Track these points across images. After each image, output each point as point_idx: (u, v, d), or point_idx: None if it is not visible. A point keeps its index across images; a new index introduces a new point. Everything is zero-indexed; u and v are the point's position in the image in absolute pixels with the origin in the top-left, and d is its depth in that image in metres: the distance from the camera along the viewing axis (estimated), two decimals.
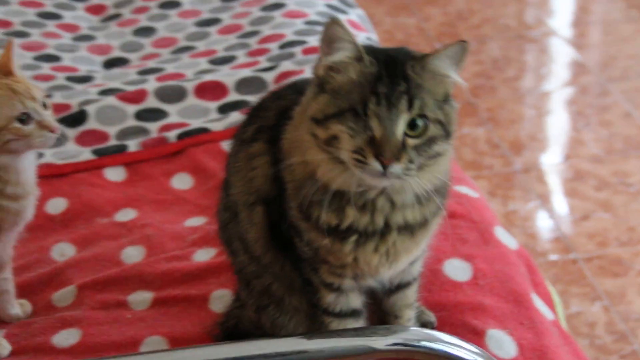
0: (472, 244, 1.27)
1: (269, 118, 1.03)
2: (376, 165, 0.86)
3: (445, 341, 1.00)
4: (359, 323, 1.05)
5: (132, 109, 1.66)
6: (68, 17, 2.08)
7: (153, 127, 1.64)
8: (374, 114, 0.87)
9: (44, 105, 1.11)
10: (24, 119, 1.08)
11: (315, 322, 1.05)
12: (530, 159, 2.57)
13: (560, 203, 2.42)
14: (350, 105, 0.89)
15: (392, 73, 0.89)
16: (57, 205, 1.45)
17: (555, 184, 2.52)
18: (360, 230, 0.93)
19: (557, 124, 2.85)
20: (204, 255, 1.33)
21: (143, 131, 1.64)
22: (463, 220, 1.31)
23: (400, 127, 0.88)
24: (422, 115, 0.89)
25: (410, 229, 0.95)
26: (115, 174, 1.55)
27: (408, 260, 1.00)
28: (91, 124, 1.63)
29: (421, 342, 0.99)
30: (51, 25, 2.02)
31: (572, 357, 1.13)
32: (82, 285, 1.28)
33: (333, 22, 0.89)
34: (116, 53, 1.94)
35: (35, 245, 1.37)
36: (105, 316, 1.23)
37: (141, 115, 1.67)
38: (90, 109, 1.65)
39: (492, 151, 2.57)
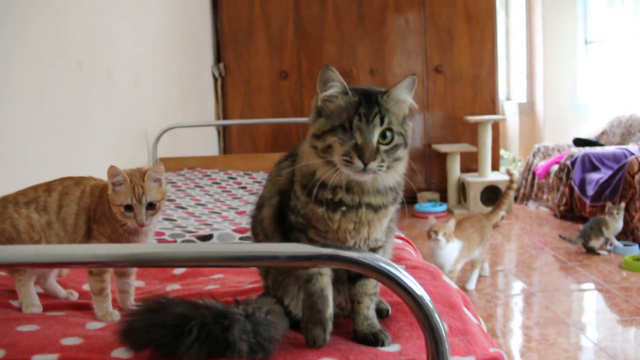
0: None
1: (293, 152, 1.44)
2: (359, 163, 1.20)
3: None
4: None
5: None
6: None
7: None
8: (357, 127, 1.22)
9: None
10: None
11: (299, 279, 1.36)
12: None
13: None
14: (340, 123, 1.23)
15: (368, 101, 1.24)
16: None
17: None
18: (347, 204, 1.28)
19: None
20: None
21: None
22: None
23: (375, 136, 1.22)
24: (390, 129, 1.24)
25: (373, 208, 1.29)
26: None
27: (370, 233, 1.31)
28: None
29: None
30: None
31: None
32: None
33: (326, 68, 1.23)
34: None
35: None
36: None
37: None
38: None
39: None
